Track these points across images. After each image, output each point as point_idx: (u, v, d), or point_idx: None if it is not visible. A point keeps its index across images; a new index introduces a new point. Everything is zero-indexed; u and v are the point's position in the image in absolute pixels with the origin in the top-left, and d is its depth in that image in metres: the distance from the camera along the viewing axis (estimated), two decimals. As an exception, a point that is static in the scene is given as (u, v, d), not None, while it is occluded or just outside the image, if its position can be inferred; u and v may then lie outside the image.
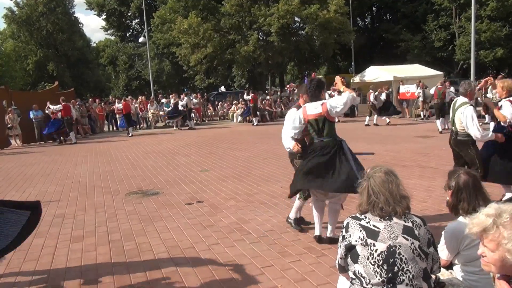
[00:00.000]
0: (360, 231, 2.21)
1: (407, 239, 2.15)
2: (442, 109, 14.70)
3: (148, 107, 23.05)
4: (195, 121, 21.80)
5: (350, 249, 2.23)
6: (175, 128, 20.60)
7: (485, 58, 29.82)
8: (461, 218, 2.58)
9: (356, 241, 2.20)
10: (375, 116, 17.38)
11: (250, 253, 4.32)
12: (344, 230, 2.30)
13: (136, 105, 22.91)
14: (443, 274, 2.56)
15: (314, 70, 37.05)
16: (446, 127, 14.04)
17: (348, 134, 14.61)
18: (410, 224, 2.20)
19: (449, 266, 2.66)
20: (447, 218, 5.04)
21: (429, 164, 8.50)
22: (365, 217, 2.27)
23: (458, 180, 2.60)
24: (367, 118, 17.74)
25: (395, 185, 2.26)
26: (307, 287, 3.53)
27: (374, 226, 2.21)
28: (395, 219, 2.21)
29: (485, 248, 1.80)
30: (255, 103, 20.44)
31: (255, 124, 20.12)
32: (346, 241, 2.26)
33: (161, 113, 23.38)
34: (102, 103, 23.72)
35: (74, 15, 46.64)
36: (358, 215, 2.31)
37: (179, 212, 5.97)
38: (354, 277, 2.23)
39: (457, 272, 2.59)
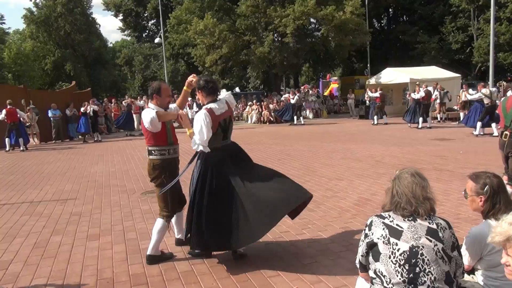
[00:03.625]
0: (383, 229, 2.20)
1: (430, 241, 2.13)
2: (427, 110, 16.33)
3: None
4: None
5: (372, 247, 2.22)
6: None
7: (504, 60, 29.37)
8: (487, 222, 2.50)
9: (378, 238, 2.19)
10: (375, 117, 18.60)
11: (265, 254, 4.30)
12: (367, 228, 2.29)
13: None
14: (465, 279, 2.51)
15: (329, 72, 36.95)
16: (429, 126, 15.98)
17: (363, 136, 14.56)
18: (434, 226, 2.17)
19: (471, 271, 2.60)
20: (465, 221, 4.98)
21: (446, 167, 8.39)
22: (389, 216, 2.25)
23: (491, 183, 2.49)
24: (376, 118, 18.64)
25: (420, 186, 2.23)
26: (323, 289, 3.50)
27: (397, 225, 2.20)
28: (419, 220, 2.19)
29: (509, 258, 1.75)
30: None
31: None
32: (368, 238, 2.25)
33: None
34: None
35: (92, 16, 47.31)
36: (383, 214, 2.30)
37: (194, 212, 5.97)
38: (374, 276, 2.22)
39: (479, 277, 2.53)
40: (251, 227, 3.76)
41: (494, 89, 13.56)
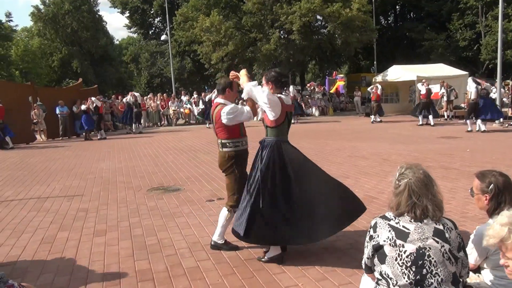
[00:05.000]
0: (389, 231, 2.16)
1: (437, 242, 2.10)
2: (427, 107, 16.51)
3: (169, 104, 23.29)
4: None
5: (378, 249, 2.18)
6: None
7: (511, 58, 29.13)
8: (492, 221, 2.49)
9: (384, 241, 2.15)
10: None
11: (271, 251, 4.31)
12: (371, 230, 2.25)
13: (158, 102, 23.18)
14: (471, 278, 2.50)
15: (335, 69, 36.80)
16: (431, 123, 16.31)
17: (369, 134, 14.52)
18: (441, 227, 2.14)
19: (477, 270, 2.59)
20: (471, 220, 4.95)
21: (452, 165, 8.35)
22: (395, 218, 2.21)
23: (496, 182, 2.47)
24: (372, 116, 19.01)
25: (436, 187, 2.20)
26: (328, 286, 3.50)
27: (403, 227, 2.16)
28: (425, 221, 2.15)
29: (507, 259, 1.74)
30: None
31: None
32: (373, 241, 2.21)
33: (181, 110, 23.67)
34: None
35: (98, 13, 47.49)
36: (387, 215, 2.26)
37: (200, 208, 6.01)
38: (380, 277, 2.19)
39: (486, 276, 2.52)
40: (313, 227, 3.81)
41: (480, 86, 13.99)
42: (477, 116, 13.72)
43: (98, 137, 17.24)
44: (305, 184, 3.90)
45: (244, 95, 4.05)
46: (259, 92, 3.94)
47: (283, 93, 4.11)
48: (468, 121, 14.21)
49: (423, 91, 16.46)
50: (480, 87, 13.78)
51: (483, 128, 13.67)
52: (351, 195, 4.15)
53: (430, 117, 16.33)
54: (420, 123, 16.54)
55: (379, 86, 18.92)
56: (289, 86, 3.97)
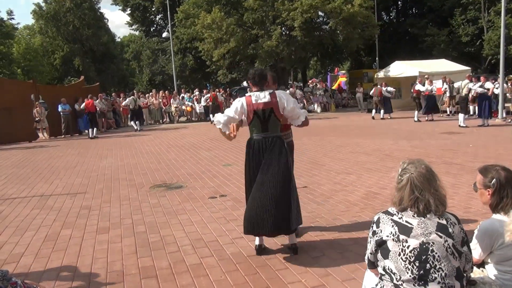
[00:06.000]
0: (392, 226, 2.16)
1: (440, 237, 2.09)
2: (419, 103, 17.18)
3: (171, 101, 23.29)
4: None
5: (381, 245, 2.18)
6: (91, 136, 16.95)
7: (514, 53, 28.96)
8: (497, 216, 2.47)
9: (387, 236, 2.15)
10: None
11: (274, 247, 4.31)
12: (374, 225, 2.24)
13: (160, 99, 23.19)
14: (474, 273, 2.49)
15: (337, 65, 36.70)
16: (427, 118, 16.90)
17: (371, 130, 14.50)
18: (444, 222, 2.13)
19: (481, 265, 2.58)
20: (474, 215, 4.95)
21: (455, 161, 8.33)
22: (398, 213, 2.21)
23: (498, 177, 2.45)
24: (373, 111, 19.27)
25: (439, 182, 2.19)
26: (332, 282, 3.50)
27: (406, 222, 2.15)
28: (428, 216, 2.14)
29: None
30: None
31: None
32: (376, 236, 2.20)
33: (183, 107, 23.67)
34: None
35: (100, 10, 47.42)
36: (390, 210, 2.25)
37: (203, 205, 6.01)
38: (383, 272, 2.18)
39: (490, 271, 2.51)
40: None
41: (464, 82, 14.81)
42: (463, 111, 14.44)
43: (89, 136, 16.93)
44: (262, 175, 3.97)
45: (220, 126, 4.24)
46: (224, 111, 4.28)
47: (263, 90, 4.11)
48: (460, 115, 14.62)
49: (428, 87, 16.91)
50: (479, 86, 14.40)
51: (462, 124, 14.16)
52: (294, 210, 4.05)
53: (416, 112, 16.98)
54: (417, 119, 16.80)
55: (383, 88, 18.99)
56: (261, 82, 3.81)
